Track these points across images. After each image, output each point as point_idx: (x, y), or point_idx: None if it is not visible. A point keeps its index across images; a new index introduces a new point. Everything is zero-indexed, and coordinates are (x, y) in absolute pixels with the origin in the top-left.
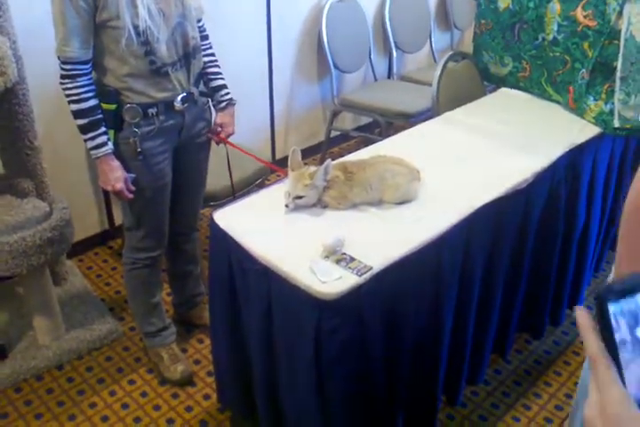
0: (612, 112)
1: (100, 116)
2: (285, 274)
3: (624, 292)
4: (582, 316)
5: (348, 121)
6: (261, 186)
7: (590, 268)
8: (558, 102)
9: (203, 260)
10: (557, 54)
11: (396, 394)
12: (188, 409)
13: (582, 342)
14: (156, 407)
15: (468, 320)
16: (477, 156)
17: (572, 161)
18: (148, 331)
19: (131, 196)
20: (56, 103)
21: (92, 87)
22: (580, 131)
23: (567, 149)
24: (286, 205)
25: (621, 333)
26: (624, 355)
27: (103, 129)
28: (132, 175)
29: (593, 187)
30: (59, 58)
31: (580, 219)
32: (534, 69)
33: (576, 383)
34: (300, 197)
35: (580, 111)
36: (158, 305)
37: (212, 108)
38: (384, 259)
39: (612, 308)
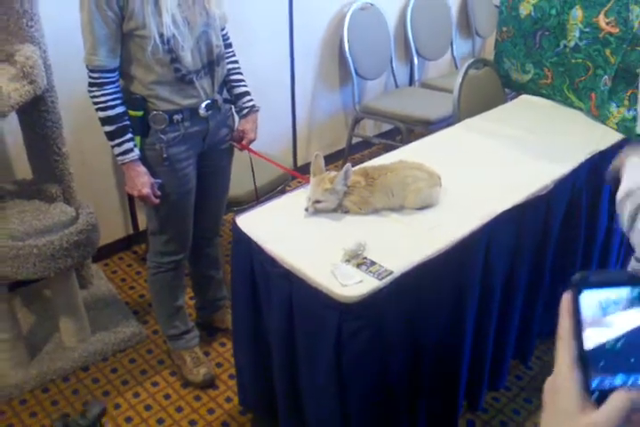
0: (634, 118)
1: (127, 122)
2: (307, 277)
3: (602, 283)
4: (565, 299)
5: (369, 128)
6: (283, 192)
7: None
8: (580, 109)
9: (225, 264)
10: (579, 61)
11: (417, 398)
12: (211, 411)
13: None
14: (179, 409)
15: (489, 325)
16: (498, 162)
17: (594, 167)
18: (172, 334)
19: (157, 201)
20: (84, 111)
21: (119, 95)
22: (602, 137)
23: (589, 156)
24: (306, 209)
25: (593, 316)
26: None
27: (130, 135)
28: (159, 181)
29: (615, 193)
30: (87, 66)
31: (601, 225)
32: (556, 76)
33: None
34: (320, 202)
35: (602, 118)
36: (181, 309)
37: (234, 114)
38: (405, 263)
39: (589, 294)
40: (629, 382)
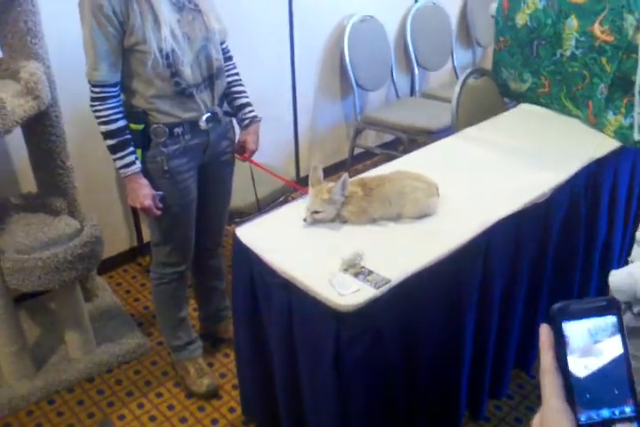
0: (631, 126)
1: (129, 136)
2: (305, 287)
3: (581, 313)
4: (543, 332)
5: (371, 138)
6: (286, 202)
7: None
8: (578, 117)
9: (228, 275)
10: (576, 70)
11: (417, 407)
12: (214, 422)
13: None
14: (183, 420)
15: (489, 334)
16: (496, 171)
17: (592, 175)
18: (175, 345)
19: (159, 213)
20: (87, 125)
21: (121, 109)
22: (600, 145)
23: (586, 164)
24: (304, 220)
25: (580, 347)
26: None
27: (131, 149)
28: (160, 193)
29: (614, 201)
30: (89, 81)
31: (601, 232)
32: (553, 85)
33: None
34: (318, 212)
35: (599, 126)
36: (185, 320)
37: (235, 127)
38: (402, 272)
39: (570, 325)
40: (617, 414)
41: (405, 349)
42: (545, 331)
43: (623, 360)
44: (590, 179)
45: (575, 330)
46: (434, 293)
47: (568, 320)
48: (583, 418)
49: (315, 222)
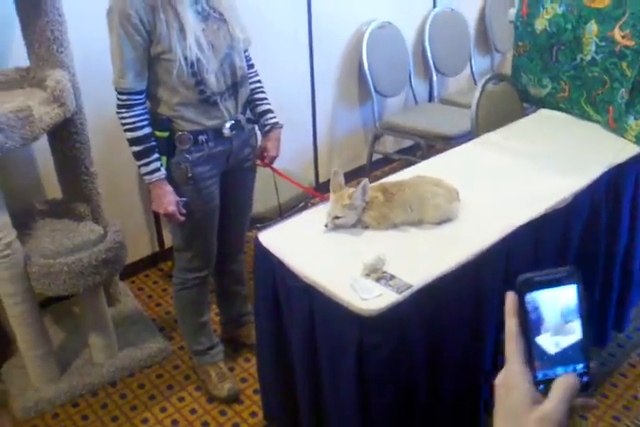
0: None
1: (154, 143)
2: (327, 291)
3: (543, 283)
4: (509, 300)
5: (389, 144)
6: (306, 207)
7: (637, 288)
8: (598, 122)
9: (249, 281)
10: (596, 75)
11: (439, 411)
12: (236, 426)
13: None
14: (205, 424)
15: None
16: (516, 176)
17: (613, 181)
18: (197, 349)
19: (182, 219)
20: (111, 132)
21: (147, 116)
22: (621, 150)
23: (606, 169)
24: (325, 225)
25: (543, 317)
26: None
27: (156, 155)
28: (184, 199)
29: (636, 206)
30: (115, 89)
31: (622, 238)
32: (573, 90)
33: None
34: (339, 218)
35: (620, 131)
36: (207, 324)
37: (257, 134)
38: (424, 277)
39: (532, 295)
40: (569, 371)
41: (428, 353)
42: (510, 299)
43: (580, 327)
44: (611, 184)
45: (539, 299)
46: (455, 298)
47: (531, 291)
48: (540, 375)
49: (336, 228)
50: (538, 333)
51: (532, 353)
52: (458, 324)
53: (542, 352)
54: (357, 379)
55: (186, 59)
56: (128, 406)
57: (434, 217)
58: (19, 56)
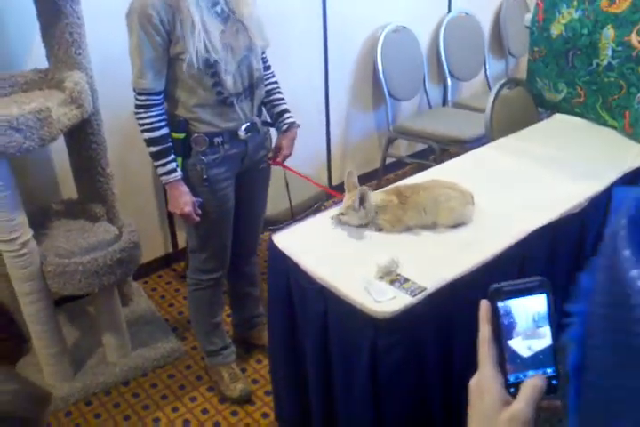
0: None
1: (171, 144)
2: (341, 293)
3: (514, 292)
4: (482, 307)
5: (402, 148)
6: (318, 211)
7: None
8: (614, 127)
9: (262, 282)
10: (612, 80)
11: (453, 414)
12: None
13: None
14: (216, 424)
15: None
16: (531, 180)
17: (629, 185)
18: (210, 350)
19: (198, 219)
20: (126, 133)
21: (164, 117)
22: (636, 155)
23: (622, 174)
24: (331, 217)
25: (515, 323)
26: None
27: (173, 156)
28: (199, 200)
29: None
30: (134, 89)
31: None
32: (589, 95)
33: None
34: (343, 215)
35: (636, 136)
36: (220, 325)
37: (272, 136)
38: (438, 280)
39: (504, 303)
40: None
41: (441, 357)
42: (484, 307)
43: (550, 332)
44: None
45: (511, 306)
46: (469, 301)
47: (503, 299)
48: (512, 378)
49: (339, 223)
50: (510, 336)
51: (505, 357)
52: (472, 328)
53: (515, 356)
54: (370, 381)
55: (205, 60)
56: (140, 405)
57: (448, 220)
58: (38, 58)
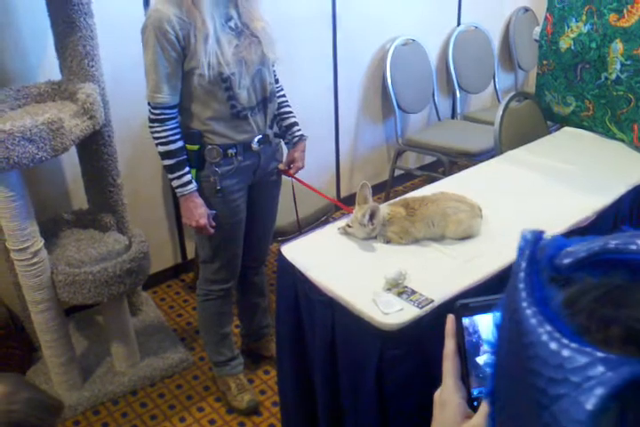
0: None
1: (186, 156)
2: (349, 305)
3: (479, 309)
4: (449, 322)
5: (411, 160)
6: (326, 223)
7: None
8: (623, 141)
9: (270, 294)
10: (621, 93)
11: None
12: None
13: None
14: None
15: None
16: (539, 193)
17: (637, 199)
18: (218, 360)
19: (212, 231)
20: (137, 145)
21: (179, 130)
22: None
23: (631, 187)
24: (338, 228)
25: (481, 339)
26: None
27: (188, 169)
28: (214, 211)
29: None
30: (149, 103)
31: None
32: (598, 108)
33: None
34: (350, 227)
35: None
36: (228, 336)
37: (283, 147)
38: (445, 292)
39: (470, 319)
40: None
41: None
42: (450, 321)
43: None
44: (635, 202)
45: (478, 323)
46: None
47: (467, 315)
48: (476, 392)
49: (345, 234)
50: (477, 352)
51: (469, 371)
52: None
53: (479, 370)
54: (377, 393)
55: (219, 75)
56: (148, 415)
57: (456, 233)
58: (51, 70)
